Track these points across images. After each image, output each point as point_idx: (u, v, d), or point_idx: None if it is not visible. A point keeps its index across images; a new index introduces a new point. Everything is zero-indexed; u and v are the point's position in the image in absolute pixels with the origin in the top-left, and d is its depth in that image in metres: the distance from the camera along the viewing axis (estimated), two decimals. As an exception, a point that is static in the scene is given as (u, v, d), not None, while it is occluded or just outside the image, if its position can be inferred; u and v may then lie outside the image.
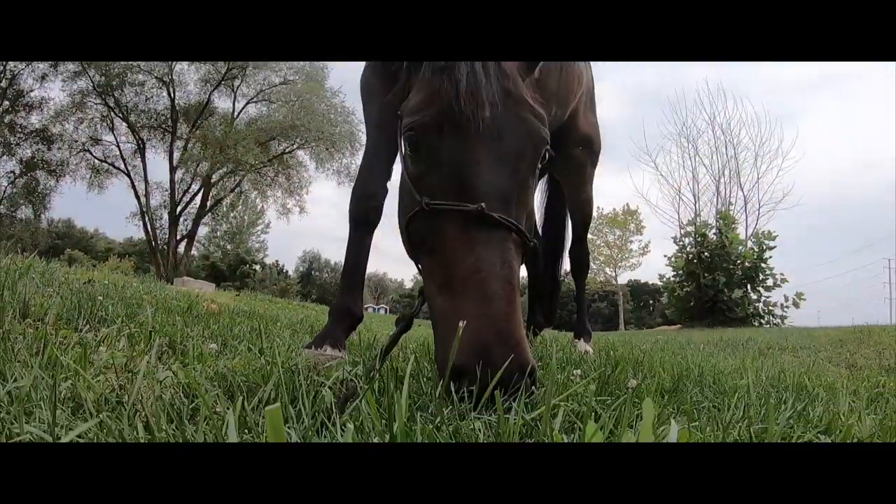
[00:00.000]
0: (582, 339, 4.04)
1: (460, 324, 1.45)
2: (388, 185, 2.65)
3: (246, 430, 1.03)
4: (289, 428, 1.02)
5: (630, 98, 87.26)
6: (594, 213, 4.77)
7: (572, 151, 4.05)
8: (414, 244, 1.81)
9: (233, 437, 0.69)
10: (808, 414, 1.63)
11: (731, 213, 20.21)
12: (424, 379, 1.66)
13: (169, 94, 29.00)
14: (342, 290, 2.47)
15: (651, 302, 59.13)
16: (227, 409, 1.02)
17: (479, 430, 1.12)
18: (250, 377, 1.41)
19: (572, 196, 4.18)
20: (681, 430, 0.89)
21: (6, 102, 28.24)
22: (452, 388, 1.37)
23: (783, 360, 4.81)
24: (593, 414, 1.11)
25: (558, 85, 3.48)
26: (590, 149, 4.14)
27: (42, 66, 27.55)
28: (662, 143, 34.69)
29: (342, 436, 0.98)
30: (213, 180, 30.32)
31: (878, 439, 1.34)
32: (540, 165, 1.89)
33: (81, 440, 0.97)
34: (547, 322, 4.44)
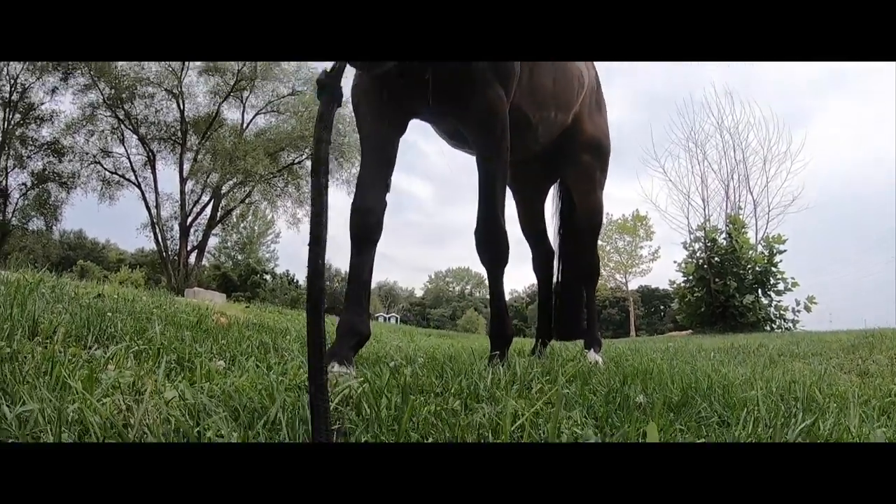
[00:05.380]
0: (592, 350, 4.01)
1: None
2: (388, 197, 2.65)
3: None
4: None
5: (637, 103, 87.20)
6: (604, 220, 4.62)
7: (580, 156, 3.99)
8: None
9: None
10: (818, 428, 1.61)
11: (741, 217, 20.06)
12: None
13: (178, 106, 29.22)
14: (348, 308, 2.45)
15: (661, 307, 58.75)
16: (233, 432, 1.02)
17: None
18: (257, 398, 1.41)
19: (581, 202, 4.13)
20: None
21: (17, 115, 28.52)
22: None
23: (794, 369, 4.76)
24: (597, 434, 1.10)
25: (555, 85, 3.41)
26: (598, 153, 4.08)
27: (52, 80, 27.87)
28: (670, 149, 34.45)
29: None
30: (223, 191, 30.49)
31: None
32: None
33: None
34: (568, 335, 4.34)
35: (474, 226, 2.85)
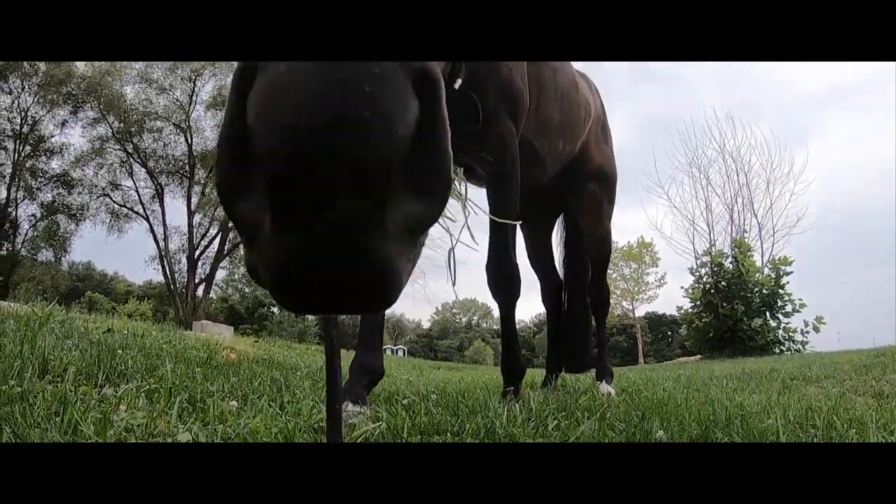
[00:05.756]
0: (604, 381, 3.96)
1: None
2: None
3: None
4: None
5: (640, 130, 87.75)
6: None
7: (587, 187, 3.97)
8: None
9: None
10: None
11: (746, 240, 20.03)
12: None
13: (186, 139, 29.60)
14: (361, 347, 2.43)
15: (669, 333, 58.41)
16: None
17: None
18: (272, 441, 1.39)
19: (589, 233, 4.11)
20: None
21: (28, 148, 28.94)
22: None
23: (809, 394, 4.68)
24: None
25: (561, 115, 3.38)
26: (605, 182, 4.06)
27: (62, 113, 28.33)
28: (674, 175, 34.54)
29: None
30: (230, 224, 30.70)
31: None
32: None
33: None
34: (577, 367, 4.30)
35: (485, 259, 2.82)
